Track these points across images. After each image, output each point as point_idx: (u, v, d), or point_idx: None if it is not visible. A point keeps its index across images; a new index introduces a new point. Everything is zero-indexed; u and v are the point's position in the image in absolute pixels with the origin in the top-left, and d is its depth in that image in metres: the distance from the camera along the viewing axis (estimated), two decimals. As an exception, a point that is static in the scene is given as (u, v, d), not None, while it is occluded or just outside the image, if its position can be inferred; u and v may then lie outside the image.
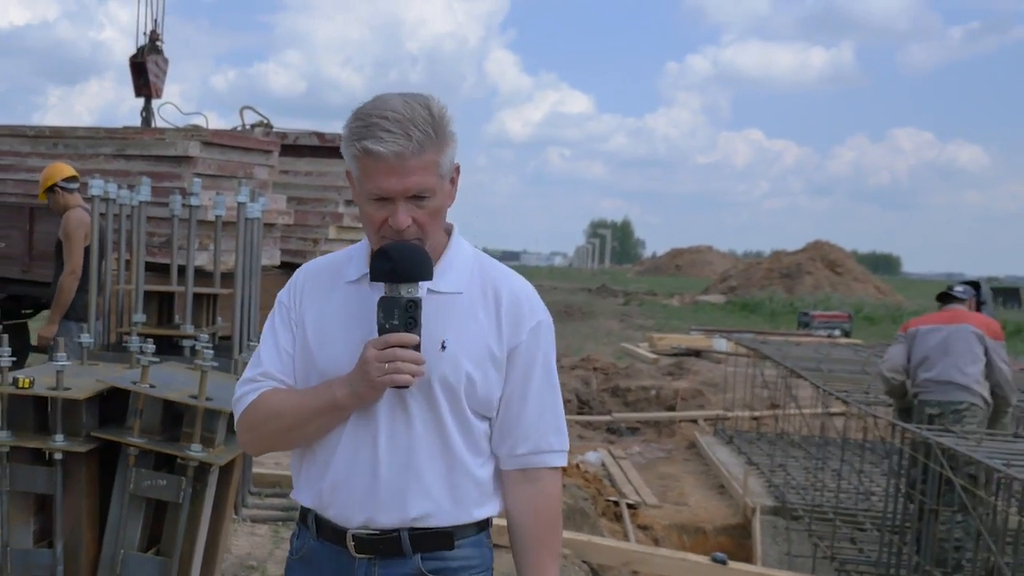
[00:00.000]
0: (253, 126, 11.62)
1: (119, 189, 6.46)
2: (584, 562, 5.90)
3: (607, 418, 13.16)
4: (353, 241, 2.56)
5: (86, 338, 5.04)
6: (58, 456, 4.33)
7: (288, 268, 10.15)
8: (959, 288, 7.11)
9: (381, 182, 2.06)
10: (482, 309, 2.18)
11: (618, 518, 8.44)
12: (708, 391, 13.97)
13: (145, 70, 12.53)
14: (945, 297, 7.09)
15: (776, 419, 10.84)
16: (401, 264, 2.06)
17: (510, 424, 2.19)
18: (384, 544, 2.15)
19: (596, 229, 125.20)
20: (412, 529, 2.14)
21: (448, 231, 2.25)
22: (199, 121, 11.66)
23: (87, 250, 6.61)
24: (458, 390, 2.13)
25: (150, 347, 4.53)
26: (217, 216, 6.41)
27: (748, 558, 7.54)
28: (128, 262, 6.46)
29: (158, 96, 12.66)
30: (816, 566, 7.30)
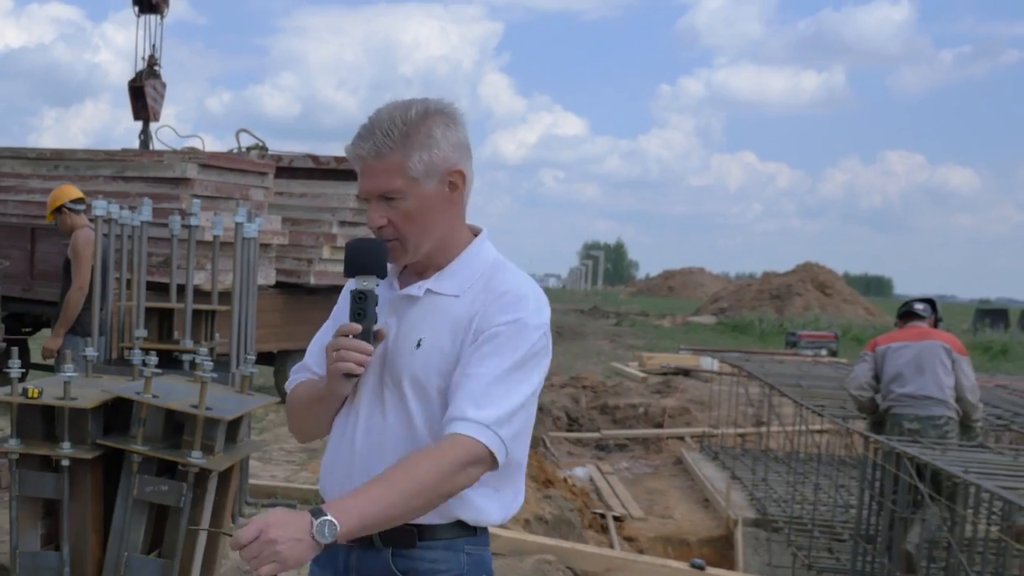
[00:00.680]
0: (249, 149, 11.86)
1: (121, 210, 6.71)
2: (568, 568, 6.12)
3: (596, 435, 13.38)
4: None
5: (91, 352, 5.28)
6: (65, 463, 4.55)
7: (283, 287, 10.39)
8: (919, 306, 7.33)
9: (359, 183, 2.18)
10: (468, 310, 2.14)
11: (604, 530, 8.66)
12: (695, 409, 14.20)
13: (143, 94, 12.79)
14: (907, 315, 7.32)
15: (760, 436, 11.07)
16: (351, 259, 2.15)
17: (451, 395, 2.10)
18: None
19: (589, 251, 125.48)
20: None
21: (475, 234, 2.27)
22: (196, 143, 11.91)
23: (92, 268, 6.85)
24: (426, 388, 2.12)
25: (153, 359, 4.77)
26: (215, 236, 6.65)
27: (731, 568, 7.75)
28: (129, 280, 6.69)
29: (156, 119, 12.92)
30: (795, 575, 7.54)
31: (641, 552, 8.22)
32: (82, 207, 7.41)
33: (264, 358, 9.68)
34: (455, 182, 2.17)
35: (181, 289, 6.71)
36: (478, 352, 2.08)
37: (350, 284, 2.20)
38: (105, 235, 6.63)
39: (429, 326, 2.14)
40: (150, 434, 4.53)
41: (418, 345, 2.13)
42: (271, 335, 9.73)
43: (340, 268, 9.55)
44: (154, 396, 4.54)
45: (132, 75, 13.12)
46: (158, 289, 7.41)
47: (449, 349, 2.12)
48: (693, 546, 8.75)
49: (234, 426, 4.81)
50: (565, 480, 9.36)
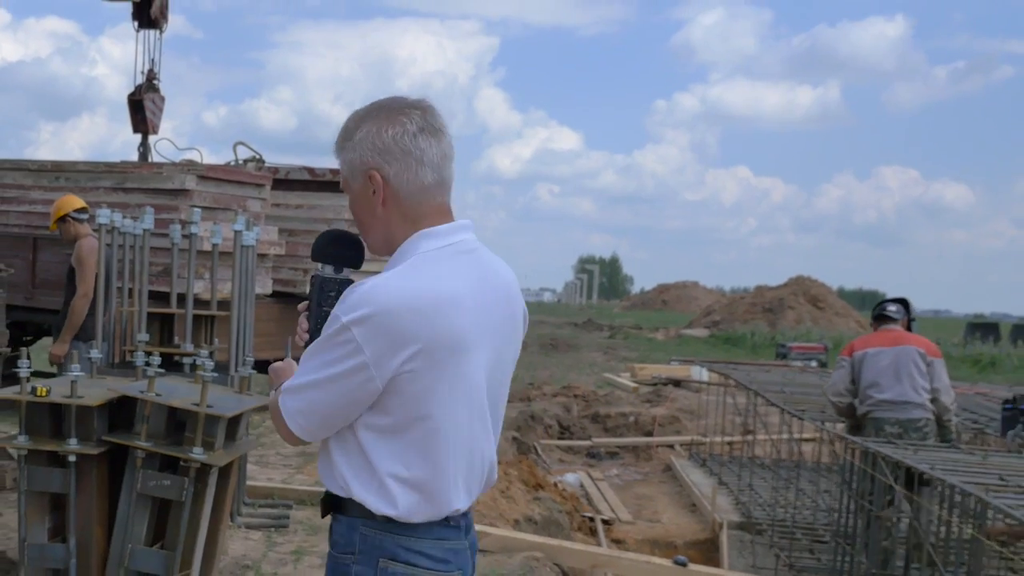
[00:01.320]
0: (246, 161, 12.08)
1: (123, 219, 6.94)
2: (555, 564, 6.33)
3: (587, 443, 13.57)
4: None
5: (95, 353, 5.49)
6: (72, 458, 4.75)
7: (280, 296, 10.59)
8: (892, 308, 7.46)
9: None
10: None
11: (593, 532, 8.86)
12: (684, 418, 14.41)
13: (143, 107, 13.02)
14: (881, 318, 7.47)
15: (747, 444, 11.28)
16: (313, 247, 2.35)
17: None
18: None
19: (584, 265, 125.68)
20: (324, 489, 2.31)
21: (413, 229, 2.26)
22: (194, 156, 12.13)
23: (96, 275, 7.06)
24: None
25: (156, 359, 4.98)
26: (214, 245, 6.87)
27: (715, 570, 7.95)
28: (131, 289, 6.90)
29: (155, 132, 13.15)
30: (777, 575, 7.74)
31: (628, 553, 8.42)
32: (85, 216, 7.62)
33: (261, 366, 9.86)
34: (374, 185, 2.22)
35: (181, 298, 6.92)
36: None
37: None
38: (108, 244, 6.86)
39: None
40: (153, 431, 4.72)
41: None
42: (268, 344, 9.92)
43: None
44: (157, 395, 4.74)
45: (131, 89, 13.36)
46: (159, 298, 7.61)
47: None
48: (680, 548, 8.93)
49: (233, 424, 5.00)
50: (555, 485, 9.56)
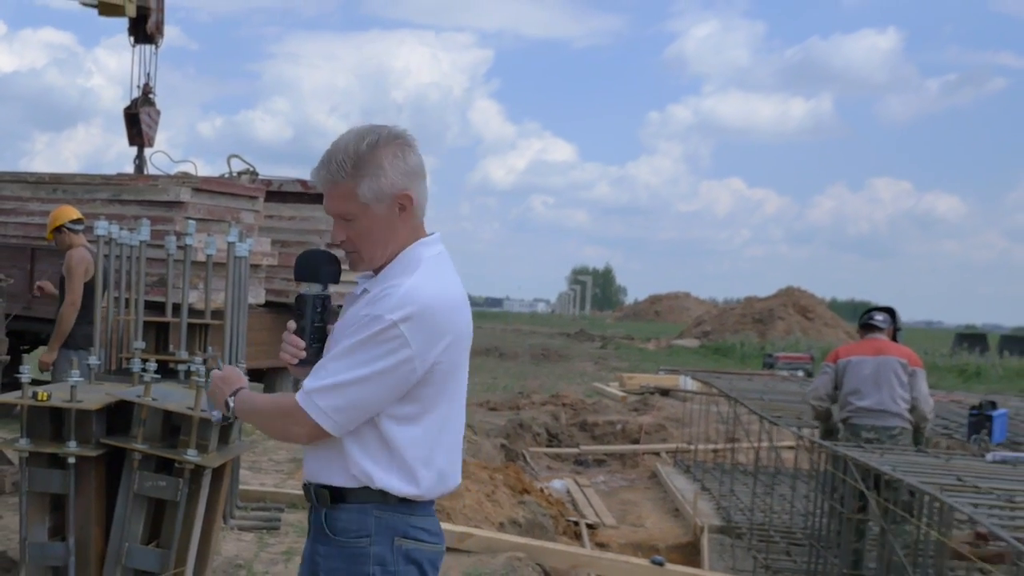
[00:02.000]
0: (240, 173, 12.29)
1: (120, 231, 7.16)
2: (538, 564, 6.56)
3: (575, 451, 13.80)
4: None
5: (94, 360, 5.71)
6: (71, 460, 4.95)
7: (272, 307, 10.81)
8: (879, 318, 7.63)
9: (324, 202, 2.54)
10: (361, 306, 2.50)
11: (577, 536, 9.08)
12: (671, 426, 14.64)
13: (138, 121, 13.25)
14: (867, 327, 7.65)
15: (730, 451, 11.52)
16: (296, 267, 2.54)
17: None
18: (307, 495, 2.57)
19: (577, 276, 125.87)
20: (314, 484, 2.53)
21: (414, 240, 2.52)
22: (188, 168, 12.34)
23: (90, 286, 7.27)
24: None
25: (152, 365, 5.20)
26: (208, 256, 7.09)
27: (696, 573, 8.18)
28: (127, 297, 7.11)
29: (150, 145, 13.38)
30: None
31: (611, 557, 8.64)
32: (80, 227, 7.83)
33: (254, 375, 10.09)
34: (404, 204, 2.47)
35: (176, 308, 7.13)
36: (338, 338, 2.47)
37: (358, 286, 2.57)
38: (106, 255, 7.07)
39: (337, 324, 2.54)
40: (149, 434, 4.93)
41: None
42: (261, 353, 10.12)
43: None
44: (153, 399, 4.96)
45: (127, 102, 13.59)
46: (154, 308, 7.81)
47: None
48: (662, 552, 9.13)
49: (226, 428, 5.21)
50: (542, 491, 9.78)
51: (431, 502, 2.55)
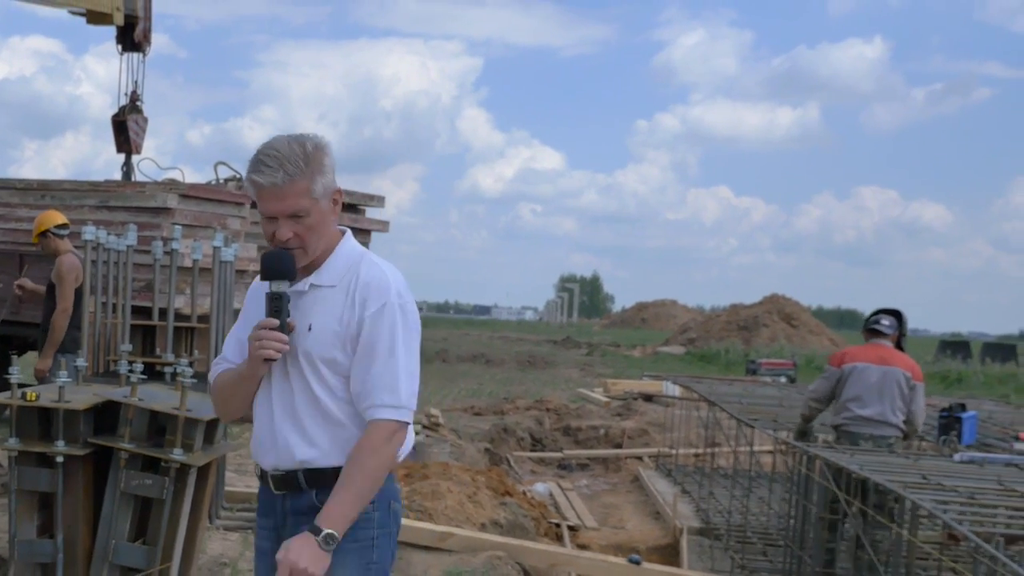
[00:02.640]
0: (226, 180, 12.40)
1: (108, 236, 7.28)
2: (517, 563, 6.69)
3: (559, 455, 13.93)
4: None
5: (81, 362, 5.83)
6: (59, 459, 5.07)
7: (258, 312, 10.91)
8: (886, 322, 7.48)
9: (266, 205, 2.67)
10: (344, 299, 2.73)
11: (559, 538, 9.20)
12: (653, 431, 14.78)
13: (126, 128, 13.34)
14: (873, 332, 7.50)
15: (711, 455, 11.68)
16: (267, 267, 2.69)
17: (359, 385, 2.71)
18: (288, 481, 2.75)
19: (565, 283, 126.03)
20: (306, 469, 2.72)
21: (342, 234, 2.82)
22: (176, 175, 12.44)
23: (79, 291, 7.39)
24: (317, 362, 2.71)
25: (139, 366, 5.32)
26: (195, 261, 7.22)
27: (675, 574, 8.31)
28: (115, 302, 7.23)
29: (138, 152, 13.47)
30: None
31: (591, 558, 8.77)
32: (65, 232, 7.94)
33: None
34: (336, 199, 2.76)
35: (163, 312, 7.25)
36: (370, 342, 2.68)
37: (262, 287, 2.78)
38: (93, 260, 7.20)
39: (317, 312, 2.73)
40: (136, 433, 5.04)
41: (309, 329, 2.72)
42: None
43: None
44: (140, 400, 5.07)
45: (115, 110, 13.69)
46: (141, 312, 7.92)
47: (337, 329, 2.71)
48: (642, 553, 9.26)
49: (211, 427, 5.32)
50: (524, 493, 9.91)
51: None
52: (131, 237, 7.16)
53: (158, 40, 14.29)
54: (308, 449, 2.71)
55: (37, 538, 5.32)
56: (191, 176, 12.23)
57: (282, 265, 2.68)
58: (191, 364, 6.89)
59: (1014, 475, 5.91)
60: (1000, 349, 39.95)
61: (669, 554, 9.24)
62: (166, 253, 7.22)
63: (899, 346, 7.58)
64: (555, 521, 9.65)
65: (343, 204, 10.82)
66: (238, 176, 12.45)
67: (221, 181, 12.32)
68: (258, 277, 2.86)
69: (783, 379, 20.05)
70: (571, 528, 9.60)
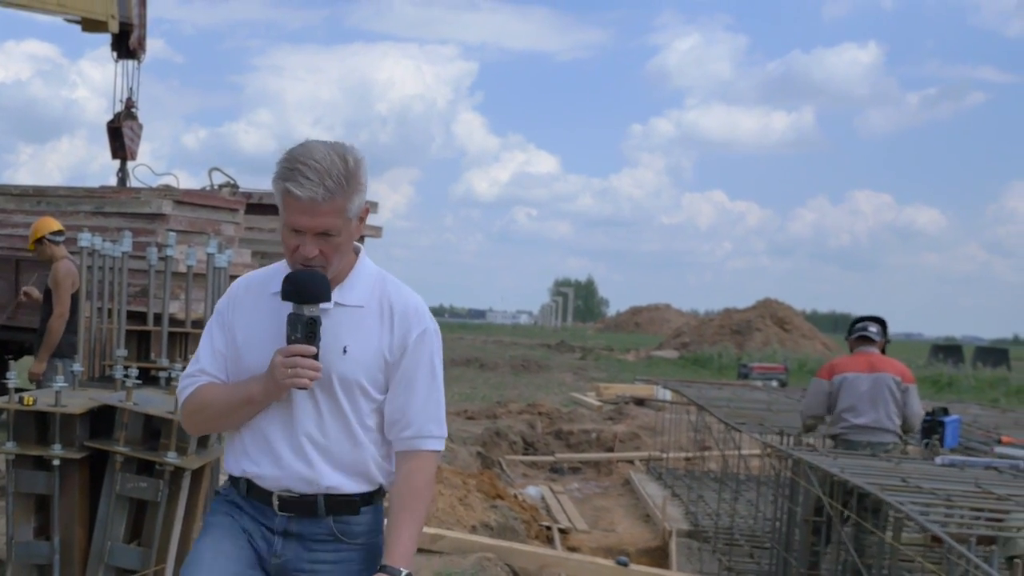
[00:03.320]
0: (221, 186, 12.49)
1: (103, 242, 7.37)
2: (507, 565, 6.80)
3: (550, 458, 14.03)
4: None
5: (77, 367, 5.92)
6: (56, 462, 5.15)
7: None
8: (873, 329, 7.64)
9: (297, 219, 2.46)
10: (378, 320, 2.61)
11: (550, 541, 9.31)
12: (645, 434, 14.90)
13: (121, 135, 13.46)
14: (862, 339, 7.63)
15: (702, 458, 11.81)
16: (303, 289, 2.48)
17: (399, 413, 2.62)
18: (303, 505, 2.61)
19: (559, 287, 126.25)
20: (327, 495, 2.60)
21: (356, 252, 2.67)
22: (170, 181, 12.53)
23: (75, 297, 7.48)
24: (353, 386, 2.58)
25: (134, 371, 5.42)
26: (189, 267, 7.31)
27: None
28: (110, 309, 7.32)
29: (133, 158, 13.58)
30: (718, 577, 8.24)
31: (581, 560, 8.88)
32: (61, 239, 8.04)
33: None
34: (364, 217, 2.60)
35: (157, 317, 7.34)
36: (412, 369, 2.62)
37: (260, 300, 2.64)
38: (89, 267, 7.29)
39: (349, 335, 2.59)
40: (131, 437, 5.12)
41: (344, 351, 2.58)
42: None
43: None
44: (135, 404, 5.17)
45: (110, 116, 13.80)
46: (136, 317, 7.99)
47: (374, 355, 2.60)
48: (631, 556, 9.39)
49: (205, 431, 5.43)
50: (515, 496, 10.02)
51: None
52: (126, 243, 7.25)
53: (154, 45, 14.43)
54: (335, 475, 2.61)
55: (34, 540, 5.41)
56: (186, 181, 12.39)
57: (318, 287, 2.51)
58: (185, 369, 7.00)
59: (992, 478, 6.02)
60: (992, 353, 40.20)
61: (658, 556, 9.35)
62: (161, 259, 7.30)
63: (882, 352, 7.68)
64: (546, 524, 9.75)
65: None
66: (232, 182, 12.54)
67: (215, 187, 12.41)
68: (237, 284, 2.74)
69: (775, 383, 20.19)
70: (562, 531, 9.71)
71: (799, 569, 7.00)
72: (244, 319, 2.66)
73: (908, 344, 78.04)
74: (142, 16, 13.48)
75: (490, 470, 11.48)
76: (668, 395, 16.64)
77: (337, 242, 2.51)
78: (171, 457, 5.04)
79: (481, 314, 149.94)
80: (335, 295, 2.59)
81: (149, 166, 12.98)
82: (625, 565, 6.82)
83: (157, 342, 7.18)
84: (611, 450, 14.47)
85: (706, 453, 11.51)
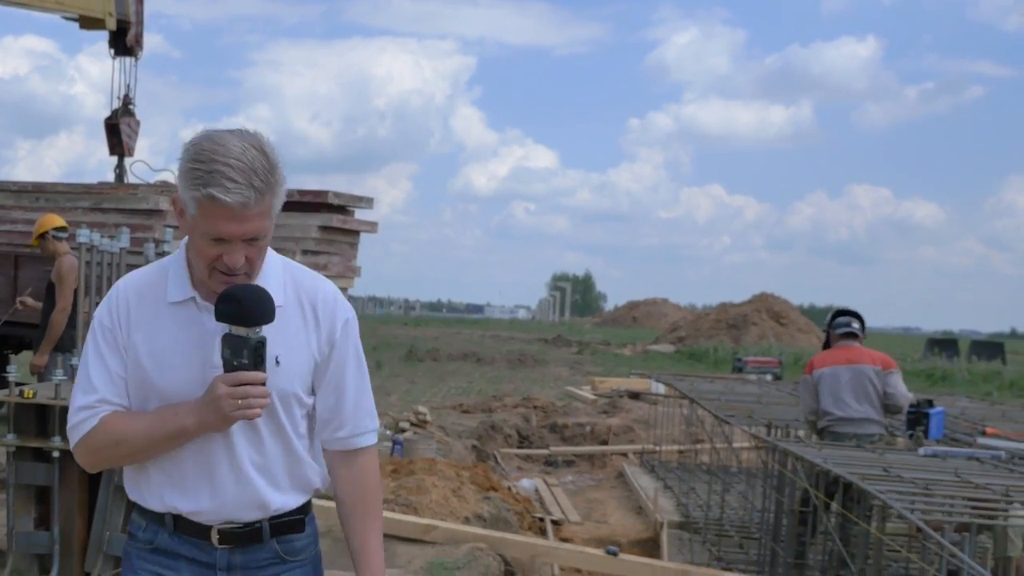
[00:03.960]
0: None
1: (101, 238, 7.49)
2: (499, 555, 6.92)
3: (545, 452, 14.17)
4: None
5: (77, 360, 6.04)
6: (56, 454, 5.30)
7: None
8: (856, 325, 7.83)
9: (221, 227, 2.12)
10: (300, 319, 2.35)
11: (543, 532, 9.44)
12: (639, 428, 15.03)
13: (119, 131, 13.58)
14: (848, 335, 7.77)
15: (694, 451, 11.95)
16: (250, 310, 2.16)
17: (331, 412, 2.41)
18: (248, 535, 2.34)
19: (557, 282, 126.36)
20: (271, 519, 2.36)
21: None
22: (167, 177, 12.67)
23: (76, 291, 7.60)
24: (291, 399, 2.34)
25: (133, 365, 5.53)
26: (186, 262, 7.43)
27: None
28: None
29: (130, 155, 13.70)
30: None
31: (574, 551, 9.01)
32: (64, 235, 8.16)
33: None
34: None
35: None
36: (341, 364, 2.39)
37: (185, 317, 2.26)
38: (87, 262, 7.41)
39: (279, 343, 2.28)
40: (130, 429, 5.28)
41: (277, 363, 2.28)
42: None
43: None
44: (134, 397, 5.31)
45: (108, 112, 13.91)
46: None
47: (305, 360, 2.35)
48: (624, 547, 9.52)
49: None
50: (509, 489, 10.14)
51: None
52: (124, 240, 7.37)
53: (152, 40, 14.54)
54: (279, 496, 2.37)
55: (34, 530, 5.55)
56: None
57: (265, 306, 2.20)
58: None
59: (972, 468, 6.16)
60: (987, 347, 40.35)
61: (650, 547, 9.48)
62: (158, 255, 7.42)
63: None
64: (539, 515, 9.88)
65: (332, 205, 11.02)
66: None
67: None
68: (116, 292, 2.35)
69: (769, 377, 20.30)
70: (554, 522, 9.84)
71: (786, 558, 7.14)
72: (145, 335, 2.29)
73: (906, 338, 78.31)
74: (139, 13, 13.59)
75: (485, 463, 11.60)
76: (662, 389, 16.77)
77: (263, 245, 2.23)
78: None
79: (479, 309, 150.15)
80: None
81: (146, 162, 13.08)
82: (615, 555, 6.95)
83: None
84: (605, 443, 14.61)
85: (698, 446, 11.64)
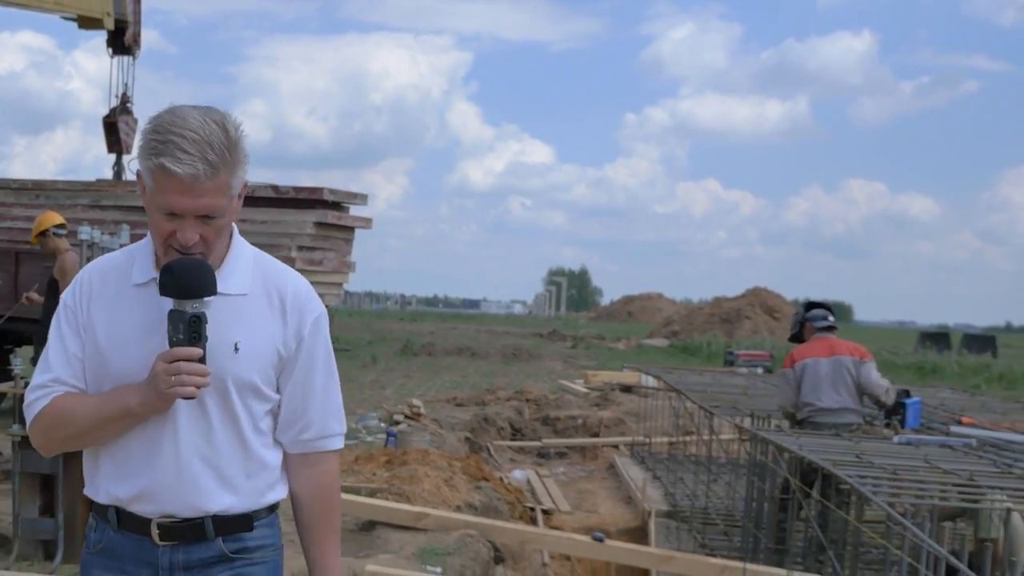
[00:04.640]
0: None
1: (101, 235, 7.71)
2: (489, 541, 7.16)
3: (537, 444, 14.41)
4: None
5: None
6: (60, 444, 5.51)
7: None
8: (832, 319, 8.19)
9: (173, 200, 2.08)
10: (267, 310, 2.28)
11: (533, 521, 9.67)
12: (630, 420, 15.26)
13: (117, 129, 13.78)
14: (827, 328, 8.08)
15: (684, 443, 12.17)
16: (185, 282, 2.11)
17: (296, 413, 2.32)
18: (189, 531, 2.23)
19: (553, 277, 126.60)
20: (215, 516, 2.24)
21: (229, 234, 2.30)
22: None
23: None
24: (248, 389, 2.24)
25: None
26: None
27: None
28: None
29: (128, 152, 13.90)
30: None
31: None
32: (64, 232, 8.38)
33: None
34: (243, 194, 2.24)
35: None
36: (309, 362, 2.32)
37: (147, 298, 2.21)
38: (88, 259, 7.61)
39: (240, 329, 2.24)
40: (132, 419, 5.49)
41: (236, 349, 2.22)
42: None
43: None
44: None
45: (106, 109, 14.12)
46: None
47: (268, 351, 2.27)
48: (613, 535, 9.74)
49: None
50: (501, 479, 10.37)
51: None
52: (124, 236, 7.59)
53: (148, 36, 14.74)
54: (227, 496, 2.26)
55: (39, 517, 5.79)
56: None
57: (203, 279, 2.15)
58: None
59: (944, 455, 6.38)
60: (979, 340, 40.63)
61: (638, 536, 9.72)
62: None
63: None
64: (530, 505, 10.12)
65: (328, 202, 11.27)
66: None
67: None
68: (83, 274, 2.34)
69: (759, 370, 20.54)
70: (545, 511, 10.07)
71: (767, 544, 7.38)
72: (105, 316, 2.25)
73: (900, 332, 78.49)
74: (137, 13, 13.78)
75: (477, 455, 11.83)
76: (652, 382, 17.01)
77: (219, 224, 2.17)
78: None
79: (475, 304, 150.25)
80: (220, 284, 2.22)
81: (144, 160, 13.24)
82: (601, 541, 7.18)
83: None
84: (597, 435, 14.84)
85: (688, 438, 11.86)
